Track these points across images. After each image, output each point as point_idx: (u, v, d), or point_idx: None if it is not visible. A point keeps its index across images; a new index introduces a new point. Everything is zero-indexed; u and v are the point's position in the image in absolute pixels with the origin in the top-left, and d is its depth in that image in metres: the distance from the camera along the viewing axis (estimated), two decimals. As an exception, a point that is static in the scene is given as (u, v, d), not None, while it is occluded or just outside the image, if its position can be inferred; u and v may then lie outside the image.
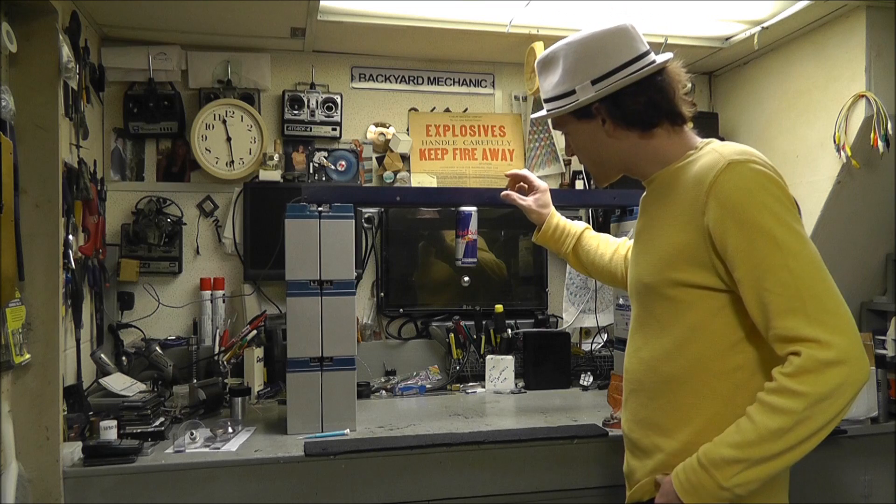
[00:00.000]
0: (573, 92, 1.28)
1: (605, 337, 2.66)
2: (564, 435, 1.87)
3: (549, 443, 1.85)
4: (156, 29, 2.38)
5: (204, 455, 1.73)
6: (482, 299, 2.68)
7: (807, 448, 1.07)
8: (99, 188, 2.25)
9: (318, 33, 2.45)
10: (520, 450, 1.83)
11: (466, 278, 2.63)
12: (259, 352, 2.35)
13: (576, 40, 1.28)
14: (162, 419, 1.89)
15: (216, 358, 2.35)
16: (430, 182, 2.73)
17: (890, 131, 2.13)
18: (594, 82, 1.25)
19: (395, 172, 2.67)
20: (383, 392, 2.44)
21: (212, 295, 2.49)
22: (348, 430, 1.90)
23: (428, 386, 2.49)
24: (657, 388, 1.25)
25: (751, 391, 1.12)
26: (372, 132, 2.71)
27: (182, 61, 2.53)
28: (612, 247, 1.72)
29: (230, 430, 1.87)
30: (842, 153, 2.21)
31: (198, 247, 2.57)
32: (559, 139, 2.82)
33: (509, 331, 2.58)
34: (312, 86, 2.64)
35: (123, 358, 2.29)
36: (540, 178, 2.87)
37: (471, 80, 2.83)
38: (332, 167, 2.66)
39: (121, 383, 2.05)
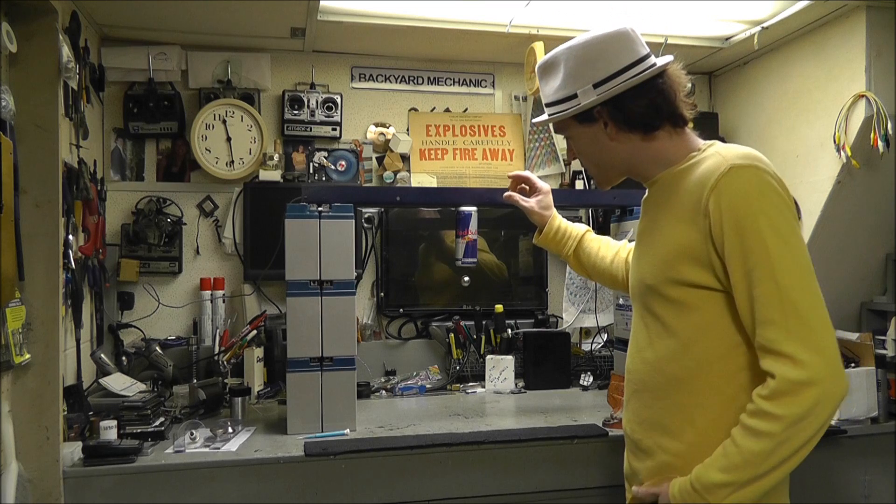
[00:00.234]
0: (575, 96, 1.28)
1: (605, 337, 2.66)
2: (564, 435, 1.87)
3: (549, 443, 1.85)
4: (156, 29, 2.38)
5: (204, 455, 1.73)
6: (482, 299, 2.68)
7: (792, 465, 1.10)
8: (99, 188, 2.25)
9: (318, 33, 2.45)
10: (520, 450, 1.83)
11: (466, 278, 2.64)
12: (259, 352, 2.35)
13: (577, 44, 1.28)
14: (162, 419, 1.89)
15: (216, 358, 2.34)
16: (430, 182, 2.73)
17: (890, 131, 2.13)
18: (596, 86, 1.25)
19: (395, 172, 2.67)
20: (383, 392, 2.44)
21: (212, 295, 2.49)
22: (348, 430, 1.90)
23: (428, 386, 2.49)
24: (661, 389, 1.25)
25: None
26: (372, 132, 2.71)
27: (182, 61, 2.53)
28: (612, 249, 1.72)
29: (230, 430, 1.87)
30: (842, 153, 2.21)
31: (198, 247, 2.57)
32: (559, 139, 2.82)
33: (509, 331, 2.58)
34: (312, 86, 2.64)
35: (123, 358, 2.29)
36: (540, 178, 2.88)
37: (471, 80, 2.83)
38: (332, 167, 2.66)
39: (121, 383, 2.05)
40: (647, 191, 1.38)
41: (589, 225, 2.65)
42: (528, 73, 2.44)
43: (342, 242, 1.93)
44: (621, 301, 2.21)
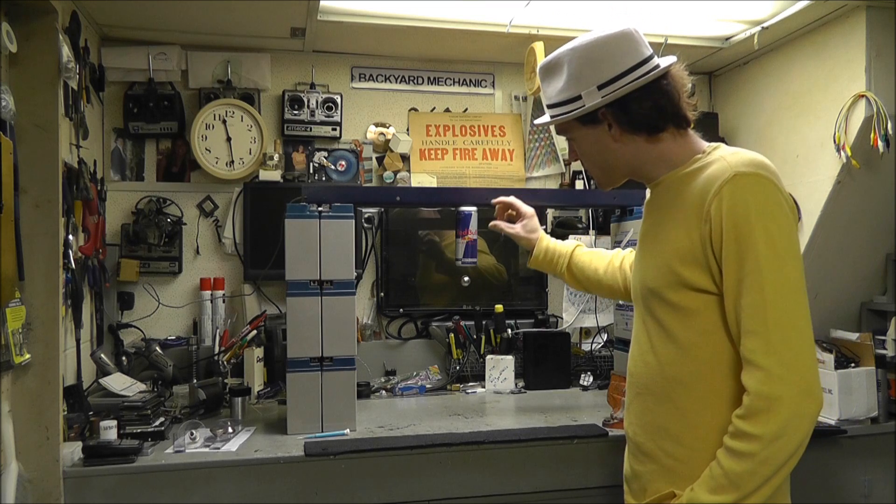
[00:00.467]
0: (579, 98, 1.27)
1: (605, 337, 2.66)
2: (564, 435, 1.87)
3: (549, 443, 1.84)
4: (156, 29, 2.38)
5: (204, 455, 1.73)
6: (482, 299, 2.68)
7: (777, 480, 1.12)
8: (99, 188, 2.25)
9: (318, 33, 2.45)
10: (520, 450, 1.83)
11: (466, 278, 2.64)
12: (259, 352, 2.35)
13: (580, 45, 1.27)
14: (162, 419, 1.89)
15: (216, 358, 2.34)
16: (430, 182, 2.73)
17: (890, 131, 2.13)
18: (600, 87, 1.25)
19: (395, 172, 2.67)
20: (383, 392, 2.44)
21: (212, 295, 2.49)
22: (348, 430, 1.90)
23: (428, 386, 2.49)
24: (663, 393, 1.26)
25: None
26: (372, 132, 2.71)
27: (182, 61, 2.53)
28: (604, 259, 1.74)
29: (230, 430, 1.87)
30: (842, 153, 2.21)
31: (198, 247, 2.57)
32: (559, 139, 2.82)
33: (509, 331, 2.58)
34: (312, 86, 2.64)
35: (123, 358, 2.29)
36: (540, 178, 2.90)
37: (471, 80, 2.83)
38: (332, 167, 2.66)
39: (121, 383, 2.05)
40: (648, 192, 1.38)
41: (589, 225, 2.68)
42: (528, 73, 2.44)
43: (342, 242, 1.93)
44: (621, 301, 2.20)
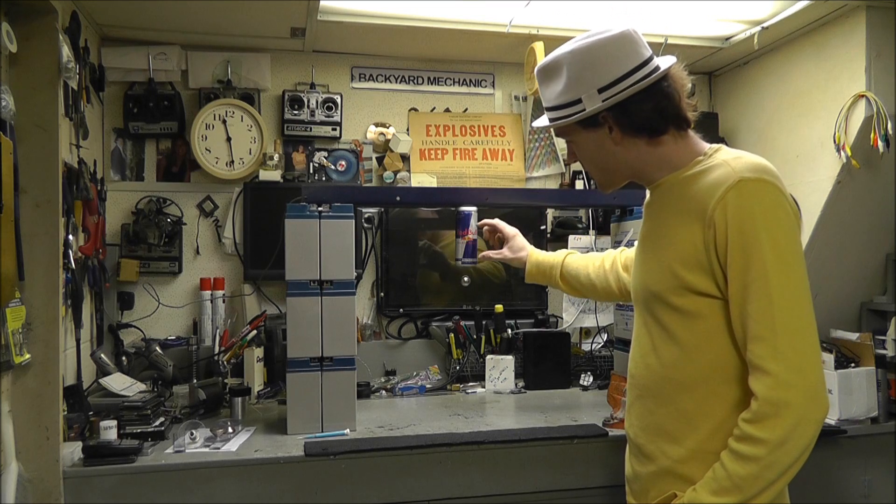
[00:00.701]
0: (579, 101, 1.26)
1: (605, 337, 2.66)
2: (564, 435, 1.87)
3: (549, 443, 1.84)
4: (156, 29, 2.38)
5: (204, 455, 1.73)
6: (482, 299, 2.68)
7: (781, 485, 1.13)
8: (99, 188, 2.25)
9: (318, 33, 2.45)
10: (520, 450, 1.83)
11: (466, 278, 2.64)
12: (259, 352, 2.35)
13: (579, 48, 1.25)
14: (162, 419, 1.89)
15: (216, 358, 2.34)
16: (430, 182, 2.73)
17: (890, 131, 2.13)
18: (601, 91, 1.23)
19: (395, 172, 2.67)
20: (383, 392, 2.44)
21: (212, 295, 2.49)
22: (348, 430, 1.90)
23: (428, 386, 2.49)
24: (665, 395, 1.26)
25: None
26: (372, 132, 2.71)
27: (182, 61, 2.53)
28: (595, 263, 1.76)
29: (230, 430, 1.87)
30: (842, 153, 2.21)
31: (198, 247, 2.57)
32: (559, 139, 2.82)
33: (509, 331, 2.58)
34: (312, 86, 2.64)
35: (123, 358, 2.29)
36: (540, 178, 2.90)
37: (471, 80, 2.83)
38: (332, 167, 2.66)
39: (121, 383, 2.04)
40: (648, 194, 1.37)
41: (589, 225, 2.68)
42: (528, 74, 2.44)
43: (342, 242, 1.93)
44: (620, 302, 2.20)
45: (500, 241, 1.94)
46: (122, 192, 2.50)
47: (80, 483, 1.63)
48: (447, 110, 2.81)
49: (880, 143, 2.14)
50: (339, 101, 2.63)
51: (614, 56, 1.23)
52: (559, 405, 2.27)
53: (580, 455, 1.85)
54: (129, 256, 2.44)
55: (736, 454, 1.12)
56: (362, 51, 2.68)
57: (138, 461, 1.67)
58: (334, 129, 2.64)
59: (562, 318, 2.71)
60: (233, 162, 2.52)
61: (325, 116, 2.61)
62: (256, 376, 2.32)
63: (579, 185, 2.77)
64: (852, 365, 2.09)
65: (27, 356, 1.60)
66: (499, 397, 2.41)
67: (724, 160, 1.21)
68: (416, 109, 2.78)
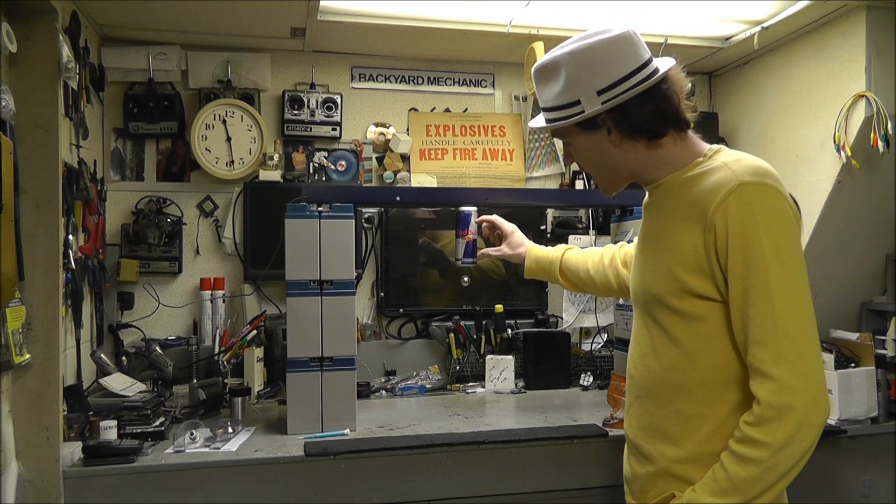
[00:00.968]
0: (577, 102, 1.24)
1: (605, 337, 2.66)
2: (564, 435, 1.87)
3: (549, 443, 1.84)
4: (156, 29, 2.38)
5: (204, 455, 1.73)
6: (482, 299, 2.68)
7: (780, 488, 1.13)
8: (99, 188, 2.25)
9: (318, 33, 2.45)
10: (520, 450, 1.83)
11: (466, 278, 2.64)
12: (259, 352, 2.35)
13: (579, 49, 1.23)
14: (162, 419, 1.89)
15: (216, 358, 2.34)
16: (430, 182, 2.73)
17: (890, 131, 2.13)
18: (600, 93, 1.22)
19: (395, 172, 2.67)
20: (383, 392, 2.44)
21: (212, 295, 2.49)
22: (348, 430, 1.90)
23: (428, 386, 2.49)
24: (664, 397, 1.25)
25: None
26: (372, 132, 2.71)
27: (182, 61, 2.53)
28: (594, 258, 1.76)
29: (230, 430, 1.87)
30: (842, 153, 2.21)
31: (198, 247, 2.57)
32: (560, 141, 2.82)
33: (509, 331, 2.58)
34: (312, 86, 2.64)
35: (123, 358, 2.29)
36: (540, 178, 2.90)
37: (471, 80, 2.83)
38: (332, 167, 2.66)
39: (121, 383, 2.04)
40: (647, 194, 1.37)
41: (589, 225, 2.68)
42: (528, 74, 2.44)
43: (342, 242, 1.93)
44: (621, 301, 2.20)
45: (499, 237, 1.94)
46: (122, 192, 2.50)
47: (80, 483, 1.63)
48: (447, 110, 2.81)
49: (880, 143, 2.14)
50: (339, 101, 2.63)
51: (614, 58, 1.22)
52: (559, 405, 2.27)
53: (580, 455, 1.85)
54: (129, 256, 2.44)
55: (737, 456, 1.12)
56: (362, 51, 2.68)
57: (138, 461, 1.68)
58: (334, 129, 2.64)
59: (562, 318, 2.71)
60: (233, 162, 2.52)
61: (325, 116, 2.61)
62: (256, 376, 2.32)
63: (579, 185, 2.77)
64: (852, 365, 2.09)
65: (27, 356, 1.60)
66: (499, 397, 2.41)
67: (725, 162, 1.20)
68: (416, 109, 2.78)
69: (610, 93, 1.22)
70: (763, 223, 1.12)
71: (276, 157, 2.55)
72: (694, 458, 1.20)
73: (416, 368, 2.60)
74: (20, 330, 1.57)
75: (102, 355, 2.14)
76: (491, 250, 1.92)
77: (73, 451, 1.68)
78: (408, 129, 2.76)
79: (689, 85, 1.29)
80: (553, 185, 2.88)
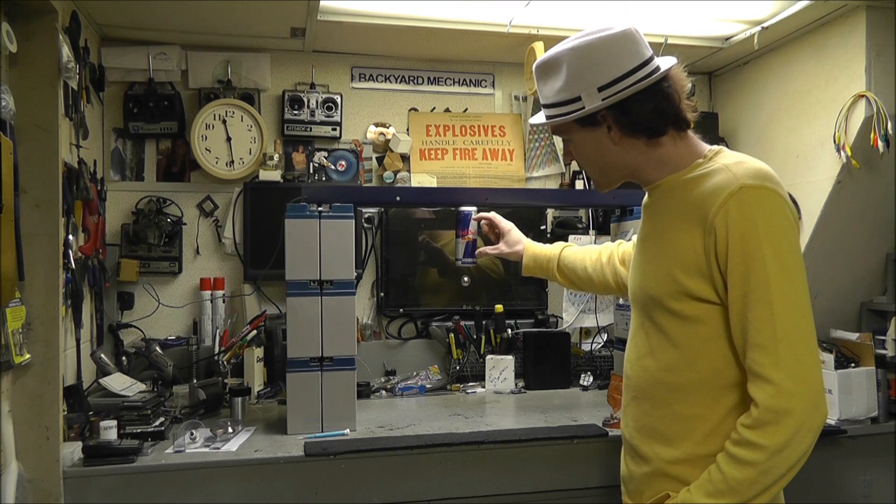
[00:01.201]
0: (578, 99, 1.24)
1: (605, 337, 2.66)
2: (564, 435, 1.87)
3: (549, 443, 1.85)
4: (156, 29, 2.38)
5: (204, 455, 1.73)
6: (482, 299, 2.68)
7: (776, 489, 1.13)
8: (99, 188, 2.25)
9: (318, 33, 2.45)
10: (520, 450, 1.83)
11: (466, 278, 2.64)
12: (259, 352, 2.35)
13: (580, 45, 1.24)
14: (162, 419, 1.89)
15: (216, 358, 2.34)
16: (430, 182, 2.73)
17: (890, 131, 2.13)
18: (600, 89, 1.22)
19: (395, 172, 2.67)
20: (383, 392, 2.44)
21: (212, 295, 2.49)
22: (348, 430, 1.90)
23: (428, 386, 2.49)
24: (661, 398, 1.25)
25: None
26: (372, 132, 2.71)
27: (182, 61, 2.53)
28: (592, 256, 1.75)
29: (230, 430, 1.87)
30: (842, 153, 2.21)
31: (198, 247, 2.57)
32: (559, 139, 2.82)
33: (509, 331, 2.58)
34: (312, 86, 2.64)
35: (123, 358, 2.29)
36: (540, 178, 2.90)
37: (471, 80, 2.83)
38: (332, 167, 2.66)
39: (121, 383, 2.04)
40: (646, 195, 1.37)
41: (589, 225, 2.68)
42: (528, 73, 2.44)
43: (342, 242, 1.93)
44: (621, 301, 2.20)
45: (497, 236, 1.94)
46: (122, 192, 2.50)
47: (80, 483, 1.63)
48: (447, 110, 2.81)
49: (880, 143, 2.14)
50: (339, 101, 2.63)
51: (615, 55, 1.22)
52: (559, 405, 2.27)
53: (580, 455, 1.85)
54: (129, 256, 2.44)
55: (733, 458, 1.12)
56: (362, 51, 2.68)
57: (138, 461, 1.68)
58: (334, 129, 2.64)
59: (562, 318, 2.71)
60: (233, 162, 2.52)
61: (325, 116, 2.61)
62: (256, 376, 2.32)
63: (579, 185, 2.77)
64: (852, 365, 2.09)
65: (27, 356, 1.60)
66: (499, 397, 2.41)
67: (725, 165, 1.19)
68: (416, 109, 2.79)
69: (611, 89, 1.22)
70: (763, 227, 1.12)
71: (276, 157, 2.55)
72: (690, 459, 1.20)
73: (416, 368, 2.60)
74: (20, 330, 1.57)
75: (102, 355, 2.14)
76: (489, 249, 1.91)
77: (73, 451, 1.68)
78: (408, 129, 2.76)
79: (690, 84, 1.28)
80: (553, 185, 2.88)
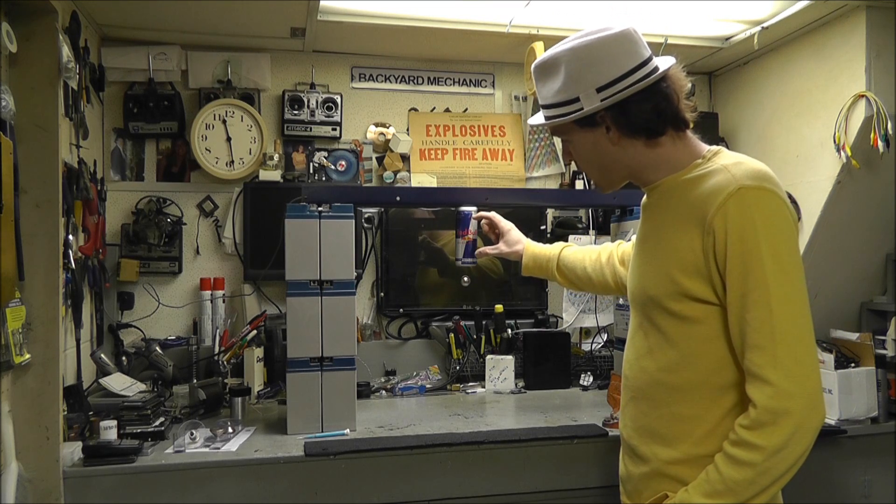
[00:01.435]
0: (577, 99, 1.24)
1: (605, 337, 2.66)
2: (564, 435, 1.87)
3: (549, 443, 1.85)
4: (156, 29, 2.38)
5: (204, 455, 1.73)
6: (482, 299, 2.68)
7: (774, 490, 1.13)
8: (99, 188, 2.25)
9: (318, 33, 2.45)
10: (520, 450, 1.83)
11: (466, 278, 2.64)
12: (259, 352, 2.35)
13: (579, 45, 1.23)
14: (162, 419, 1.89)
15: (216, 358, 2.34)
16: (430, 182, 2.73)
17: (890, 131, 2.13)
18: (599, 90, 1.22)
19: (395, 172, 2.67)
20: (383, 392, 2.44)
21: (212, 295, 2.49)
22: (348, 430, 1.90)
23: (428, 386, 2.49)
24: (660, 398, 1.25)
25: None
26: (372, 132, 2.71)
27: (182, 61, 2.53)
28: (591, 256, 1.75)
29: (230, 430, 1.87)
30: (842, 153, 2.21)
31: (198, 247, 2.57)
32: (559, 140, 2.82)
33: (509, 331, 2.58)
34: (312, 86, 2.64)
35: (123, 358, 2.29)
36: (540, 178, 2.90)
37: (471, 80, 2.83)
38: (332, 167, 2.66)
39: (121, 383, 2.05)
40: (645, 195, 1.37)
41: (589, 225, 2.68)
42: (528, 74, 2.44)
43: (342, 242, 1.93)
44: (621, 301, 2.20)
45: (497, 235, 1.94)
46: (122, 192, 2.50)
47: (80, 483, 1.63)
48: (447, 110, 2.81)
49: (880, 143, 2.13)
50: (339, 101, 2.63)
51: (614, 55, 1.22)
52: (559, 405, 2.27)
53: (580, 455, 1.85)
54: (129, 256, 2.44)
55: (731, 458, 1.12)
56: (362, 51, 2.68)
57: (138, 461, 1.68)
58: (334, 129, 2.64)
59: (562, 318, 2.71)
60: (233, 162, 2.52)
61: (325, 116, 2.61)
62: (256, 376, 2.32)
63: (579, 185, 2.77)
64: (852, 365, 2.09)
65: (27, 356, 1.60)
66: (499, 397, 2.41)
67: (724, 165, 1.19)
68: (416, 109, 2.79)
69: (609, 90, 1.22)
70: (762, 228, 1.12)
71: (276, 157, 2.56)
72: (688, 459, 1.20)
73: (416, 368, 2.60)
74: (20, 330, 1.57)
75: (102, 355, 2.14)
76: (488, 249, 1.92)
77: (73, 451, 1.68)
78: (408, 129, 2.76)
79: (689, 85, 1.28)
80: (553, 185, 2.88)
